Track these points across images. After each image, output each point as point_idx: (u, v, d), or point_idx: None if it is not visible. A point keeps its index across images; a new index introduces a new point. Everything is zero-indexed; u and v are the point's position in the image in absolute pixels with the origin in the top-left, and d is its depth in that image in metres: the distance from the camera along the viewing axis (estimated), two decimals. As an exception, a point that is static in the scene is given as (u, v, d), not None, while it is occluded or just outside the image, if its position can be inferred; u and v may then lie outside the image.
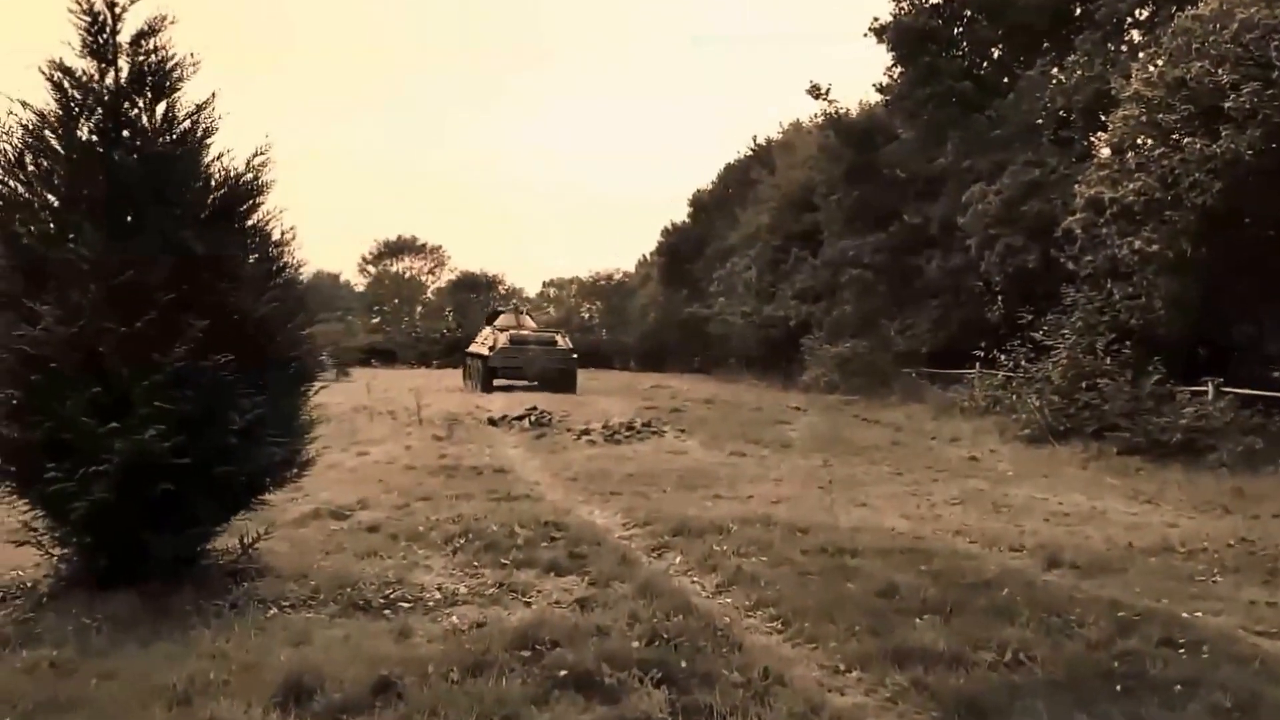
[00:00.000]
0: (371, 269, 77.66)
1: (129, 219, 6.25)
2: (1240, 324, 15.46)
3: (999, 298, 22.84)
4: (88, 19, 6.29)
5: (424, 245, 76.95)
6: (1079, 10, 24.05)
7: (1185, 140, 14.45)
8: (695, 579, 7.09)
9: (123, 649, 5.18)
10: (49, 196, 6.29)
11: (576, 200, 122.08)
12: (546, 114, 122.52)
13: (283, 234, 7.00)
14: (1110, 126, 16.90)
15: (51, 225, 6.26)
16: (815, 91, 30.28)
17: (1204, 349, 16.25)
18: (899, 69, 27.40)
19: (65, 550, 6.42)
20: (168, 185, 6.34)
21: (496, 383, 29.85)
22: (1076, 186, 17.39)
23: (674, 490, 11.27)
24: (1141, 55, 17.74)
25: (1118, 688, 4.72)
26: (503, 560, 7.39)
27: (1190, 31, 15.08)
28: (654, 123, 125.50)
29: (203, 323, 5.99)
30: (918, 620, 5.80)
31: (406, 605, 6.18)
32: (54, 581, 6.37)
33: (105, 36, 6.34)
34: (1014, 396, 18.56)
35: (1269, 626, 5.98)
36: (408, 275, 76.88)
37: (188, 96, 6.56)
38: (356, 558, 7.39)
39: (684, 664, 4.90)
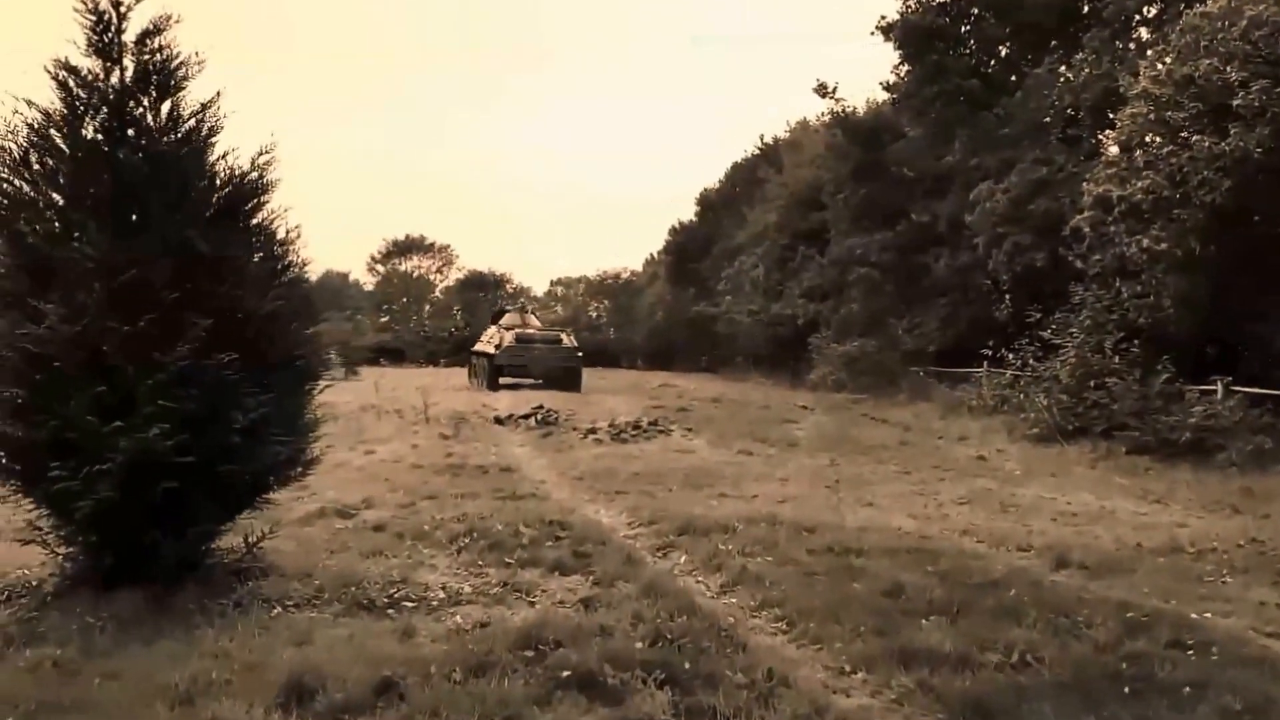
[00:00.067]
0: (380, 268, 77.82)
1: (134, 218, 6.24)
2: (1249, 322, 15.36)
3: (1007, 296, 22.77)
4: (93, 18, 6.28)
5: (432, 244, 77.06)
6: (1087, 8, 23.97)
7: (1194, 138, 14.37)
8: (700, 579, 7.07)
9: (126, 648, 5.18)
10: (54, 195, 6.29)
11: (582, 200, 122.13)
12: (552, 114, 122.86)
13: (288, 233, 7.01)
14: (1118, 124, 16.81)
15: (56, 224, 6.26)
16: (822, 90, 30.23)
17: (1213, 348, 16.16)
18: (906, 67, 27.34)
19: (70, 549, 6.42)
20: (172, 184, 6.33)
21: (502, 381, 29.93)
22: (1084, 184, 17.30)
23: (680, 489, 11.24)
24: (1150, 53, 17.62)
25: (1126, 689, 4.69)
26: (507, 559, 7.38)
27: (1199, 29, 15.01)
28: (657, 123, 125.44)
29: (207, 322, 5.99)
30: (924, 621, 5.77)
31: (410, 605, 6.17)
32: (59, 580, 6.38)
33: (110, 35, 6.34)
34: (1022, 395, 18.49)
35: (1279, 628, 5.93)
36: (416, 274, 76.95)
37: (193, 95, 6.58)
38: (361, 557, 7.39)
39: (688, 665, 4.88)
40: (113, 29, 6.33)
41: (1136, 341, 16.02)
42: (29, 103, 6.10)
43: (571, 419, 19.09)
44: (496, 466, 12.99)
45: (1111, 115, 18.33)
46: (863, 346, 28.55)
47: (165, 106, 6.50)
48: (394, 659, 4.91)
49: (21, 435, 5.92)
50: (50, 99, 6.18)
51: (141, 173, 6.20)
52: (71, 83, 6.21)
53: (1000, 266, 22.27)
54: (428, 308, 74.40)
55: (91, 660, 4.96)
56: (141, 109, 6.42)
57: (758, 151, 48.01)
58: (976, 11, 26.43)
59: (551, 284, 77.67)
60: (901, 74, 27.68)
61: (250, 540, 7.00)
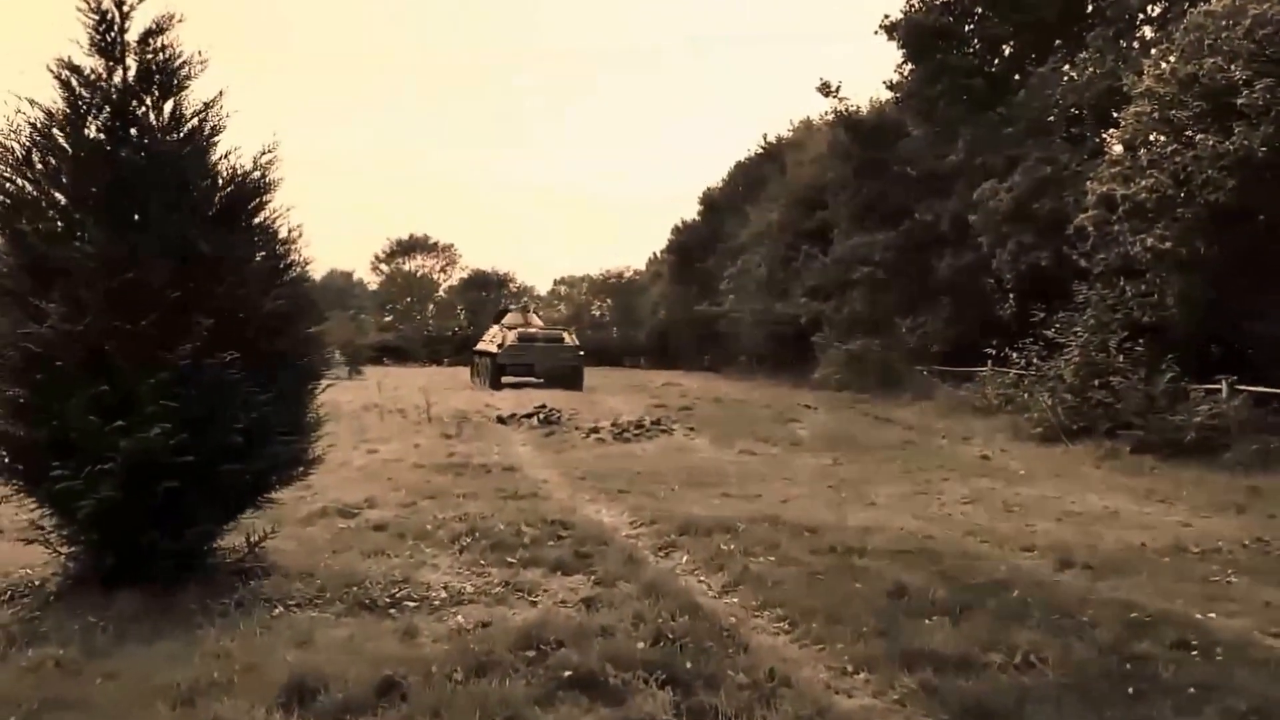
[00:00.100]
0: (384, 267, 77.83)
1: (135, 217, 6.24)
2: (1254, 321, 15.32)
3: (1011, 295, 22.72)
4: (95, 17, 6.29)
5: (435, 244, 77.06)
6: (1090, 6, 23.92)
7: (1198, 137, 14.34)
8: (702, 578, 7.05)
9: (127, 648, 5.18)
10: (56, 194, 6.30)
11: (586, 199, 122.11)
12: (556, 113, 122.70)
13: (290, 232, 7.01)
14: (1122, 123, 16.77)
15: (58, 223, 6.28)
16: (825, 89, 30.15)
17: (1217, 347, 16.13)
18: (910, 66, 27.28)
19: (73, 549, 6.42)
20: (174, 183, 6.34)
21: (504, 380, 30.03)
22: (1088, 183, 17.26)
23: (682, 489, 11.23)
24: (1153, 51, 17.57)
25: (1130, 691, 4.67)
26: (509, 559, 7.37)
27: (1202, 27, 14.97)
28: (662, 122, 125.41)
29: (208, 321, 5.99)
30: (927, 621, 5.75)
31: (412, 604, 6.17)
32: (62, 580, 6.39)
33: (113, 35, 6.36)
34: (1026, 395, 18.45)
35: (1284, 628, 5.91)
36: (419, 274, 76.97)
37: (195, 95, 6.59)
38: (363, 556, 7.38)
39: (689, 665, 4.87)
40: (115, 28, 6.34)
41: (1141, 341, 15.97)
42: (32, 102, 6.10)
43: (574, 418, 19.09)
44: (499, 466, 12.99)
45: (1115, 114, 18.27)
46: (866, 346, 28.49)
47: (167, 106, 6.52)
48: (395, 659, 4.91)
49: (23, 435, 5.94)
50: (53, 98, 6.19)
51: (143, 172, 6.21)
52: (74, 82, 6.22)
53: (1004, 266, 22.22)
54: (431, 307, 74.47)
55: (93, 660, 4.96)
56: (144, 108, 6.44)
57: (761, 151, 47.93)
58: (980, 10, 26.36)
59: (555, 283, 77.75)
60: (905, 73, 27.61)
61: (252, 540, 7.01)
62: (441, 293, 75.83)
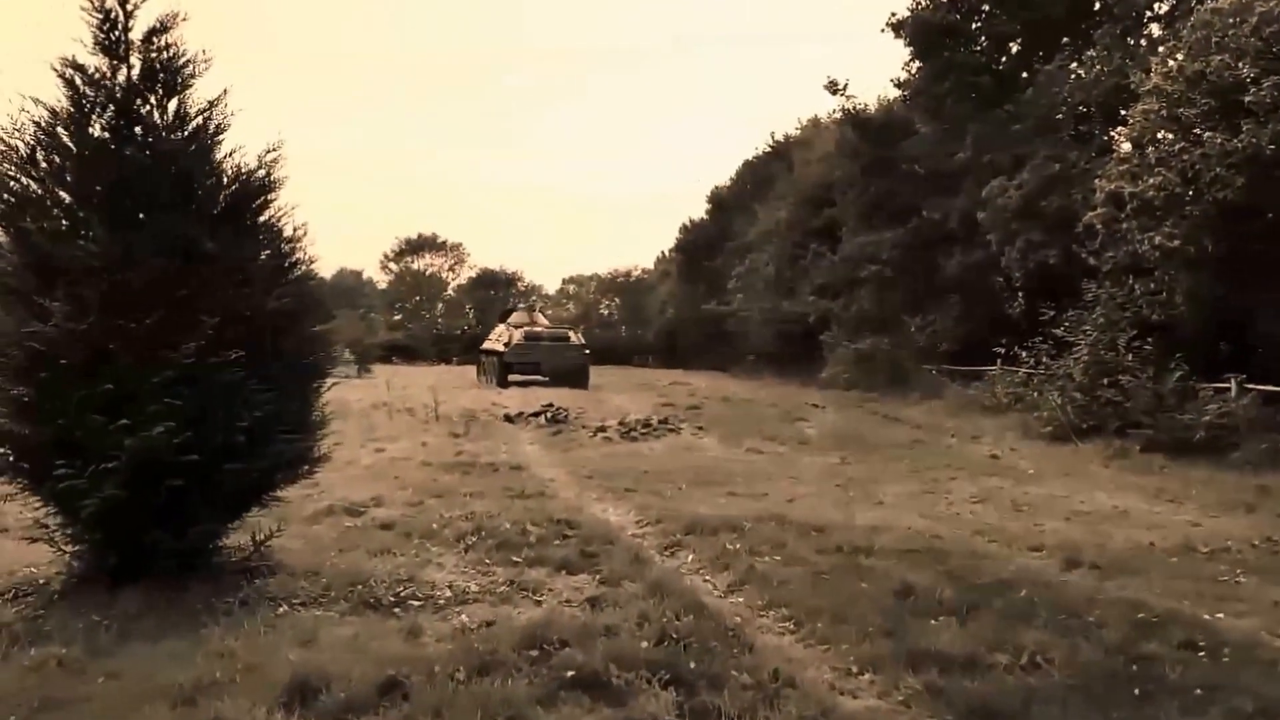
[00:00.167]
0: (393, 266, 77.98)
1: (140, 216, 6.24)
2: (1263, 319, 15.25)
3: (1020, 294, 22.64)
4: (99, 16, 6.29)
5: (444, 243, 77.19)
6: (1098, 4, 23.87)
7: (1205, 134, 14.28)
8: (707, 578, 7.03)
9: (131, 647, 5.18)
10: (60, 193, 6.30)
11: (594, 198, 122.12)
12: (562, 113, 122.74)
13: (295, 231, 7.00)
14: (1130, 121, 16.72)
15: (63, 222, 6.27)
16: (833, 87, 30.11)
17: (1226, 345, 16.05)
18: (917, 64, 27.23)
19: (77, 547, 6.42)
20: (179, 182, 6.34)
21: (510, 378, 30.11)
22: (1097, 181, 17.21)
23: (689, 488, 11.20)
24: (1161, 49, 17.53)
25: (1136, 692, 4.65)
26: (514, 558, 7.36)
27: (1210, 25, 14.92)
28: (662, 123, 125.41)
29: (213, 320, 5.98)
30: (933, 621, 5.72)
31: (417, 603, 6.15)
32: (66, 578, 6.38)
33: (117, 33, 6.35)
34: (1035, 394, 18.40)
35: (1293, 629, 5.87)
36: (428, 273, 77.10)
37: (200, 94, 6.58)
38: (369, 555, 7.37)
39: (693, 665, 4.85)
40: (119, 27, 6.34)
41: (1150, 339, 15.92)
42: (36, 100, 6.10)
43: (581, 417, 19.08)
44: (506, 464, 12.98)
45: (1123, 112, 18.25)
46: (874, 344, 28.45)
47: (172, 104, 6.51)
48: (399, 658, 4.89)
49: (28, 433, 5.94)
50: (57, 97, 6.19)
51: (148, 171, 6.21)
52: (78, 80, 6.21)
53: (1013, 264, 22.15)
54: (440, 306, 74.61)
55: (96, 659, 4.96)
56: (148, 107, 6.43)
57: (769, 149, 47.91)
58: (987, 8, 26.32)
59: (563, 282, 77.85)
60: (912, 71, 27.58)
61: (258, 538, 7.00)
62: (450, 292, 75.97)
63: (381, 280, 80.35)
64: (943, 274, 26.55)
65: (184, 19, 6.46)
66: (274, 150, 6.76)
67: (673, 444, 15.89)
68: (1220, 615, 6.07)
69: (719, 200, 52.70)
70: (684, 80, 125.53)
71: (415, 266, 77.14)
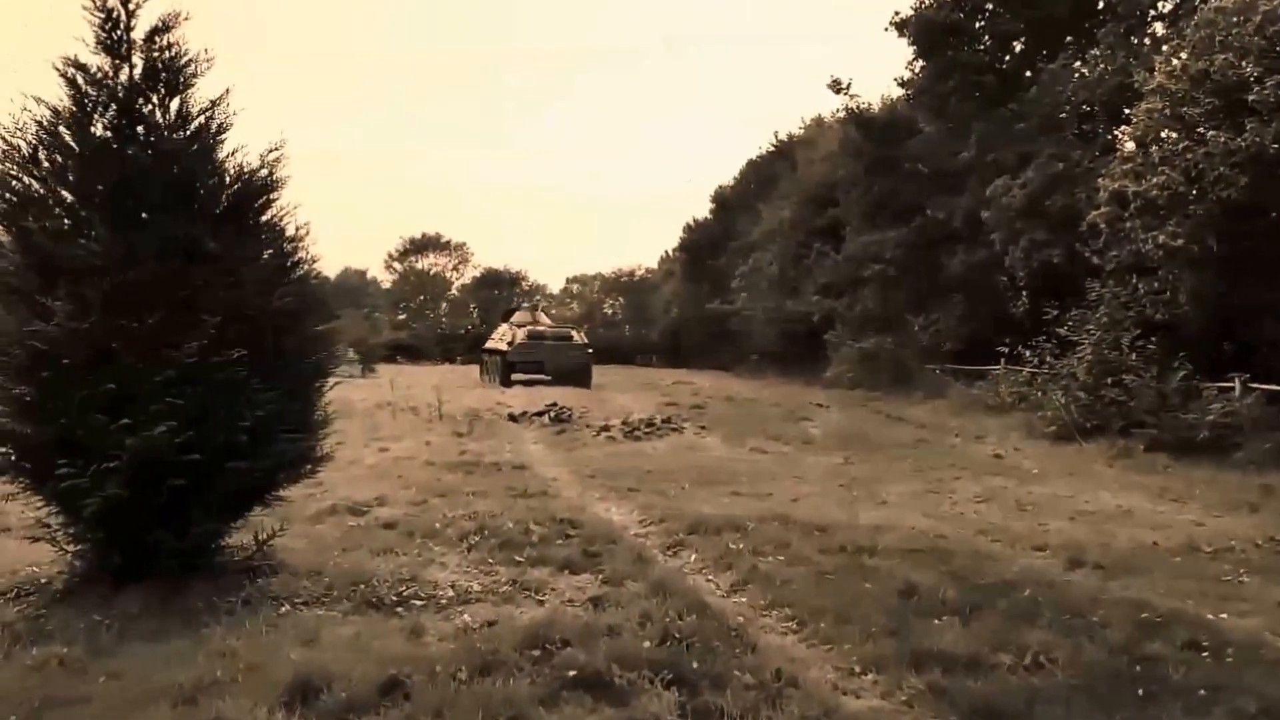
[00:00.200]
0: (397, 266, 78.15)
1: (142, 215, 6.24)
2: (1267, 319, 15.20)
3: (1023, 293, 22.59)
4: (101, 15, 6.29)
5: (448, 242, 77.35)
6: (1101, 3, 23.82)
7: (1209, 133, 14.26)
8: (710, 578, 7.02)
9: (132, 647, 5.18)
10: (62, 192, 6.30)
11: (597, 197, 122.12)
12: (565, 112, 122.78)
13: (297, 230, 6.99)
14: (1134, 120, 16.68)
15: (65, 221, 6.27)
16: (836, 86, 30.08)
17: (1230, 344, 15.99)
18: (920, 63, 27.20)
19: (79, 547, 6.42)
20: (181, 181, 6.34)
21: (513, 378, 30.17)
22: (1100, 180, 17.17)
23: (692, 487, 11.19)
24: (1164, 48, 17.50)
25: (1140, 692, 4.63)
26: (517, 558, 7.35)
27: (1213, 24, 14.88)
28: (663, 123, 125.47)
29: (215, 319, 5.97)
30: (936, 621, 5.70)
31: (419, 603, 6.15)
32: (68, 578, 6.38)
33: (119, 33, 6.35)
34: (1039, 393, 18.35)
35: (1297, 629, 5.84)
36: (433, 272, 77.23)
37: (202, 93, 6.58)
38: (372, 554, 7.37)
39: (696, 665, 4.84)
40: (122, 26, 6.34)
41: (1154, 338, 15.88)
42: (38, 100, 6.10)
43: (585, 416, 19.08)
44: (509, 464, 12.98)
45: (1127, 111, 18.20)
46: (878, 344, 28.42)
47: (174, 104, 6.51)
48: (401, 658, 4.89)
49: (30, 433, 5.94)
50: (59, 96, 6.19)
51: (149, 170, 6.21)
52: (80, 80, 6.21)
53: (1017, 263, 22.10)
54: (444, 305, 74.75)
55: (97, 659, 4.96)
56: (150, 106, 6.43)
57: (773, 148, 47.88)
58: (991, 6, 26.27)
59: (567, 281, 77.94)
60: (916, 70, 27.54)
61: (260, 538, 6.99)
62: (454, 291, 76.08)
63: (386, 280, 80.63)
64: (946, 273, 26.52)
65: (186, 18, 6.46)
66: (276, 150, 6.76)
67: (676, 443, 15.88)
68: (1224, 615, 6.04)
69: (723, 200, 52.68)
70: (687, 80, 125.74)
71: (419, 266, 77.29)
